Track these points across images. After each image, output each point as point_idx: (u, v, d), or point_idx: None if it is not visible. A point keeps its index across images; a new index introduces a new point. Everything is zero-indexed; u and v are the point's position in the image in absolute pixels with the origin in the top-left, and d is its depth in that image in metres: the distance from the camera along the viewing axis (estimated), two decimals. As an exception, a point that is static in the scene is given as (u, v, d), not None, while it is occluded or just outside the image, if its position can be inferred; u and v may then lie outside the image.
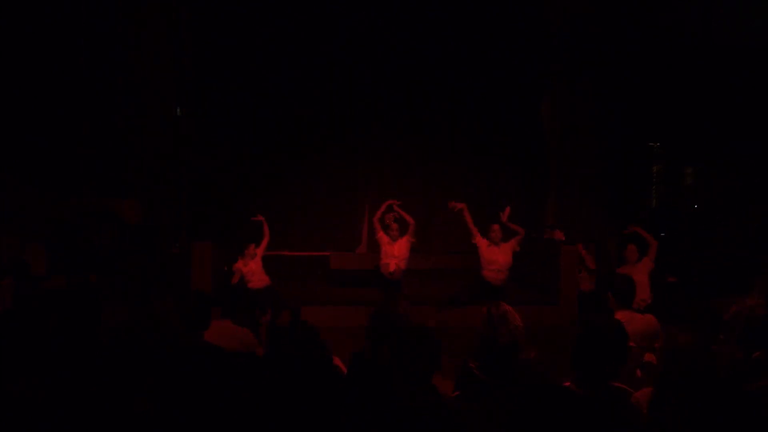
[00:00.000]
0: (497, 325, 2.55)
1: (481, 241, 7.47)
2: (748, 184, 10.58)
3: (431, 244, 11.43)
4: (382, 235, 7.88)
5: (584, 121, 10.92)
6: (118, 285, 8.23)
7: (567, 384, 2.30)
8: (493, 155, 11.24)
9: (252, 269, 7.42)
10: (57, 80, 9.11)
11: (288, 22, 10.62)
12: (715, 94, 10.60)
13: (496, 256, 7.39)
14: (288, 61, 10.77)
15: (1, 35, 8.54)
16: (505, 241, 7.52)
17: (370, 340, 2.88)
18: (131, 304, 7.69)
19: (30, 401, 1.99)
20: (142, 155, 10.11)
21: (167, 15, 10.21)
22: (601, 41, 10.48)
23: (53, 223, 8.55)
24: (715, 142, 10.91)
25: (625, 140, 11.40)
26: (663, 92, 10.83)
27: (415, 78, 11.03)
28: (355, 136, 11.30)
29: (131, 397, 2.00)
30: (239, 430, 2.09)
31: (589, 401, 2.04)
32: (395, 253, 7.75)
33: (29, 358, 2.22)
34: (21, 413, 1.96)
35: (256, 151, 10.99)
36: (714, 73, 10.58)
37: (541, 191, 11.42)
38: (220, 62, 10.60)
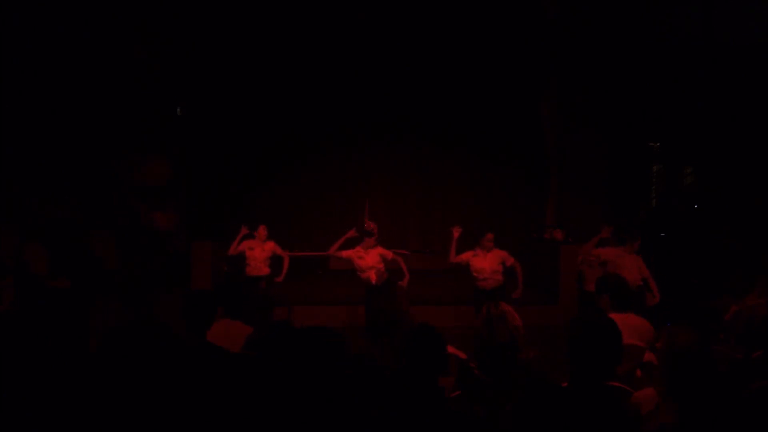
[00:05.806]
0: (496, 324, 2.55)
1: (464, 256, 6.65)
2: (748, 184, 10.57)
3: (430, 244, 11.45)
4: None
5: (584, 121, 10.92)
6: (118, 285, 8.23)
7: (566, 384, 2.30)
8: (493, 155, 11.24)
9: (256, 256, 7.26)
10: (57, 80, 9.11)
11: (288, 22, 10.62)
12: (715, 93, 10.59)
13: (481, 264, 6.59)
14: (288, 61, 10.78)
15: (0, 35, 8.54)
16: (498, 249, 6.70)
17: (369, 340, 2.87)
18: (131, 304, 7.69)
19: (30, 401, 1.99)
20: (141, 155, 10.10)
21: (167, 15, 10.20)
22: (601, 41, 10.47)
23: (53, 223, 8.54)
24: (715, 142, 10.90)
25: (625, 140, 11.39)
26: (663, 92, 10.81)
27: (415, 78, 11.04)
28: (355, 136, 11.32)
29: (131, 398, 2.00)
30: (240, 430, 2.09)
31: (587, 401, 2.04)
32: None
33: (29, 357, 2.22)
34: (21, 413, 1.96)
35: (256, 151, 11.00)
36: (713, 73, 10.56)
37: (541, 191, 11.42)
38: (220, 62, 10.61)
